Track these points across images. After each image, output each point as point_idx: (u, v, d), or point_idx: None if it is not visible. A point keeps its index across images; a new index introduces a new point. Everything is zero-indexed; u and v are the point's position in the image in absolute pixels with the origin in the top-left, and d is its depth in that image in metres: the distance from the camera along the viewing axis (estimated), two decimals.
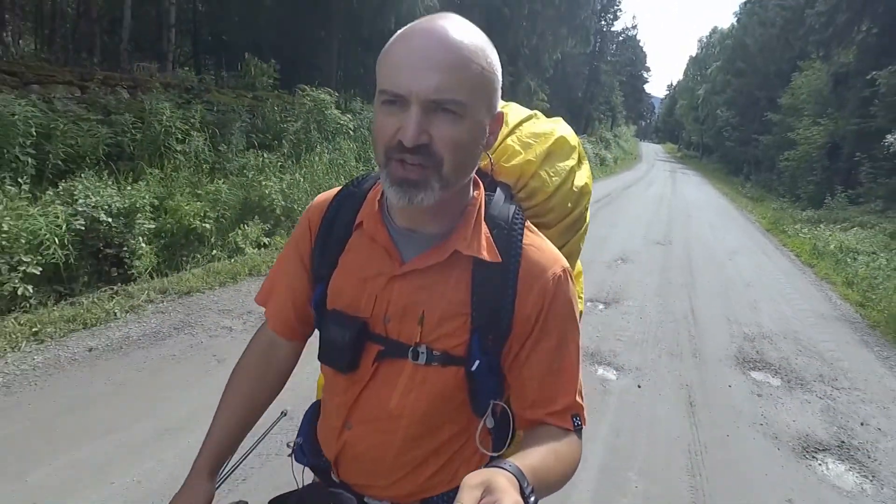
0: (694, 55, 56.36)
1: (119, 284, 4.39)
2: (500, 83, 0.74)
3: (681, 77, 67.56)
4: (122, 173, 5.19)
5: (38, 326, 3.49)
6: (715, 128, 34.57)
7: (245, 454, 0.98)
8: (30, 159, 4.57)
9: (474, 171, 0.77)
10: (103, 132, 5.33)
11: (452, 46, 0.66)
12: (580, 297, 1.12)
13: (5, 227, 3.79)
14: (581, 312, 1.04)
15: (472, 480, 0.55)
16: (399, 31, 0.70)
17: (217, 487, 0.90)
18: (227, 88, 7.50)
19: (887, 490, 2.81)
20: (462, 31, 0.68)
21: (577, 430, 0.81)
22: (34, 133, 4.66)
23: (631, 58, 50.91)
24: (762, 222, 13.37)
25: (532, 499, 0.61)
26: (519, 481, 0.60)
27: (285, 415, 1.15)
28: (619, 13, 33.82)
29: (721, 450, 2.98)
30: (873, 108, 13.02)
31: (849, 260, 8.09)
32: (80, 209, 4.31)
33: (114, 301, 4.00)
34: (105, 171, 5.04)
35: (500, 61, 0.74)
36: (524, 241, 0.80)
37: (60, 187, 4.51)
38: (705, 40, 51.92)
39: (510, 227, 0.80)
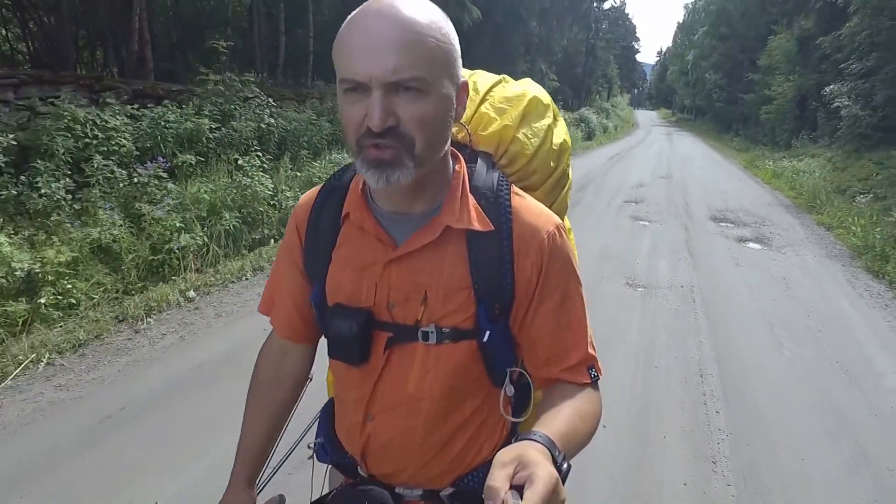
0: (681, 21, 58.27)
1: None
2: (459, 52, 0.73)
3: (670, 44, 69.78)
4: (342, 153, 8.81)
5: None
6: (705, 90, 36.19)
7: (293, 446, 1.00)
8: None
9: (448, 145, 0.76)
10: (330, 127, 8.95)
11: (405, 24, 0.64)
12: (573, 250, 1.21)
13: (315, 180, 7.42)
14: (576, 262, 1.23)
15: (504, 457, 0.55)
16: (350, 16, 0.68)
17: (258, 493, 0.93)
18: None
19: (774, 248, 6.52)
20: (412, 6, 0.66)
21: (594, 382, 0.82)
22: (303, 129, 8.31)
23: (622, 32, 53.97)
24: (742, 163, 16.99)
25: (564, 466, 0.61)
26: (550, 451, 0.60)
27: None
28: None
29: (700, 240, 6.69)
30: (823, 65, 16.51)
31: (795, 176, 11.71)
32: None
33: None
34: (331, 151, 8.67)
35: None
36: (513, 205, 0.80)
37: (330, 158, 8.15)
38: (691, 6, 53.95)
39: (496, 194, 0.80)
